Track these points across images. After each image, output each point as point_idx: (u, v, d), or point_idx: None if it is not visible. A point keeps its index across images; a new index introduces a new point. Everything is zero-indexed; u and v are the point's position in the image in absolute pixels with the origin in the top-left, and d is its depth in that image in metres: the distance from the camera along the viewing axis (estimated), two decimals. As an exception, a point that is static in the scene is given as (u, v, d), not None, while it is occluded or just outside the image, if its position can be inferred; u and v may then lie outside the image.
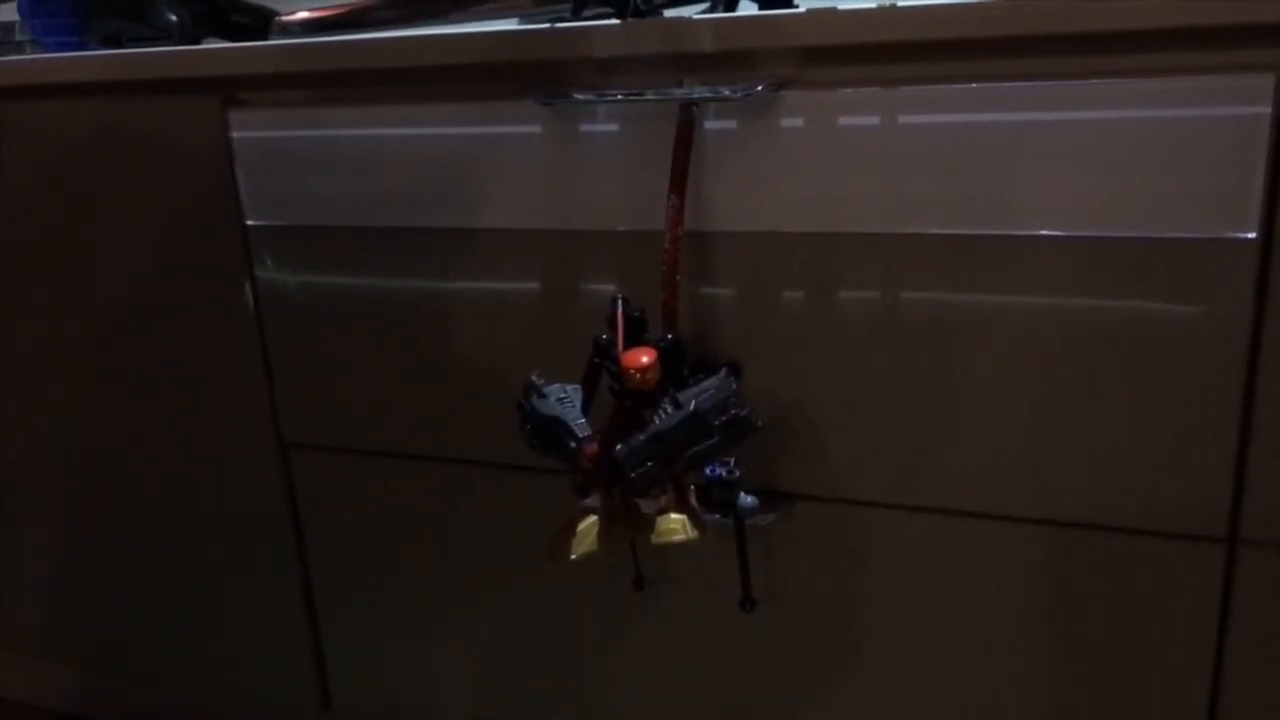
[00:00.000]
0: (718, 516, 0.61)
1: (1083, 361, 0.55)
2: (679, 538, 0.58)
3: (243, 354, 0.76)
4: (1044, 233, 0.54)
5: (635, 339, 0.59)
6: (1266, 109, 0.49)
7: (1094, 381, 0.55)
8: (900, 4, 0.54)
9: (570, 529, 0.61)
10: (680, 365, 0.58)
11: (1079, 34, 0.51)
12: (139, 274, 0.78)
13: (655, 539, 0.58)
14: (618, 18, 0.60)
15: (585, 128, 0.62)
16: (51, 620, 0.95)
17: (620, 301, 0.60)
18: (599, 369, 0.61)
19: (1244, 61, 0.49)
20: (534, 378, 0.61)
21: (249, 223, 0.73)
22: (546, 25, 0.61)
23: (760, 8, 0.66)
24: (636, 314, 0.60)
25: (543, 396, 0.60)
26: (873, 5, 0.54)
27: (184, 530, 0.85)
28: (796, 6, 0.66)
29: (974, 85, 0.53)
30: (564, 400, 0.60)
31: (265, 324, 0.75)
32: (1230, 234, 0.51)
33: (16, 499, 0.91)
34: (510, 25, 0.78)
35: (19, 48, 0.94)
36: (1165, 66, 0.51)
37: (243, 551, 0.83)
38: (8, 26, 0.95)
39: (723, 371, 0.57)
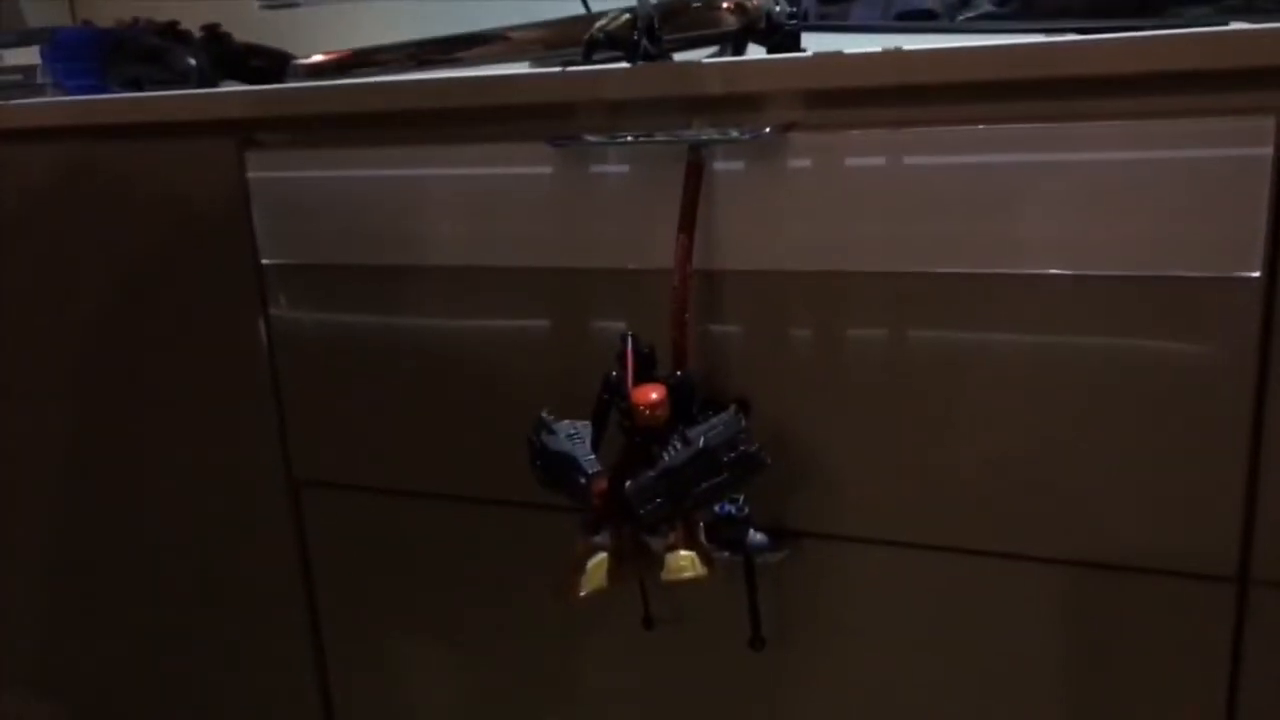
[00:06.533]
0: (727, 554, 0.61)
1: (1092, 399, 0.55)
2: (688, 575, 0.58)
3: (256, 391, 0.77)
4: (1050, 271, 0.54)
5: (645, 376, 0.60)
6: (1268, 150, 0.49)
7: (1104, 419, 0.55)
8: (905, 48, 0.55)
9: (579, 567, 0.61)
10: (689, 402, 0.59)
11: (1082, 77, 0.52)
12: (154, 313, 0.79)
13: (664, 576, 0.58)
14: (628, 61, 0.61)
15: (596, 169, 0.63)
16: (50, 660, 0.94)
17: (630, 338, 0.60)
18: (609, 406, 0.61)
19: (1246, 104, 0.50)
20: (544, 414, 0.62)
21: (264, 261, 0.74)
22: (558, 69, 0.63)
23: (768, 51, 0.68)
24: (646, 351, 0.60)
25: (553, 433, 0.61)
26: (877, 49, 0.55)
27: (191, 568, 0.85)
28: (804, 50, 0.67)
29: (979, 127, 0.54)
30: (574, 437, 0.60)
31: (278, 361, 0.76)
32: (1235, 273, 0.51)
33: (17, 533, 0.91)
34: (523, 68, 0.79)
35: (40, 90, 0.96)
36: (1169, 109, 0.51)
37: (251, 589, 0.83)
38: (29, 70, 0.97)
39: (731, 409, 0.57)
